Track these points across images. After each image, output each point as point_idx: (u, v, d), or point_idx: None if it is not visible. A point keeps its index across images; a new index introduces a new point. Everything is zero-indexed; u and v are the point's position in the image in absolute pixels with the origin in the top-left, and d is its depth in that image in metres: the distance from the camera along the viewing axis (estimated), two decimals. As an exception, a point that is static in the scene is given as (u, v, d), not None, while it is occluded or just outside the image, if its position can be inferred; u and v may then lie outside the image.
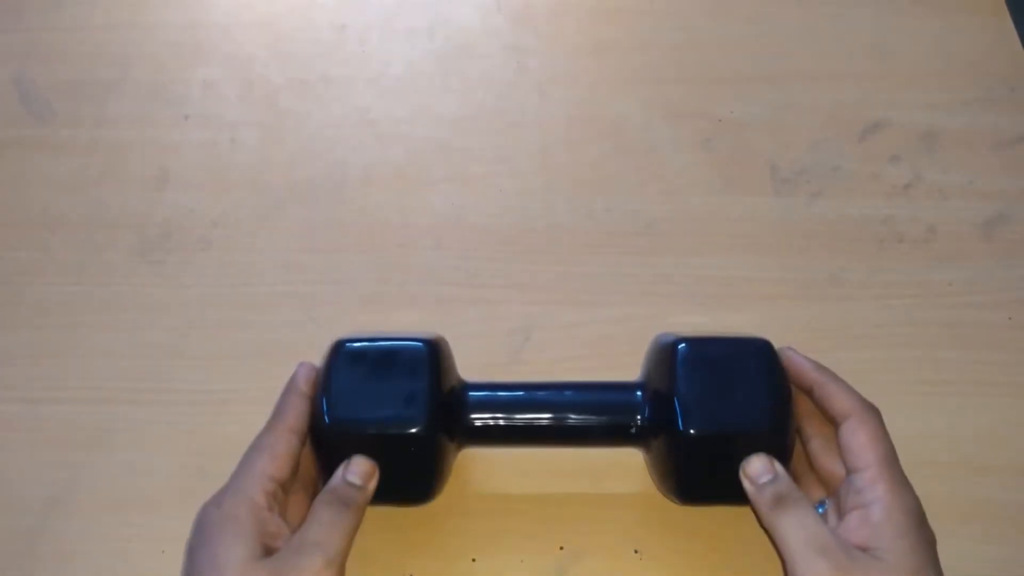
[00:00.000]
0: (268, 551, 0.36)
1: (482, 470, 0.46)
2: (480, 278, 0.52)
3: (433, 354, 0.40)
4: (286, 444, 0.39)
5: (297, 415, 0.40)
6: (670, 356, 0.40)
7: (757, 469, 0.39)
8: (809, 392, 0.41)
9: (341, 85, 0.60)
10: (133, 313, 0.51)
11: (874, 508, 0.37)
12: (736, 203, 0.55)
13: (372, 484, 0.39)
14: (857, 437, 0.38)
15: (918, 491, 0.37)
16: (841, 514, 0.38)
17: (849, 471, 0.38)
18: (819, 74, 0.60)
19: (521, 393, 0.42)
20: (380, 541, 0.43)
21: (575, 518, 0.44)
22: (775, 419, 0.39)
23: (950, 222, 0.54)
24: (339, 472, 0.39)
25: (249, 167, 0.56)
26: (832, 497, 0.40)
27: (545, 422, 0.41)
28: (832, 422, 0.40)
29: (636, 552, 0.43)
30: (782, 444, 0.39)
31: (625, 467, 0.45)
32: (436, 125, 0.58)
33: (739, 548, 0.43)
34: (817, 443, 0.41)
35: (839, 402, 0.40)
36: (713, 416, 0.39)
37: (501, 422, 0.41)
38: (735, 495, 0.39)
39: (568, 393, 0.42)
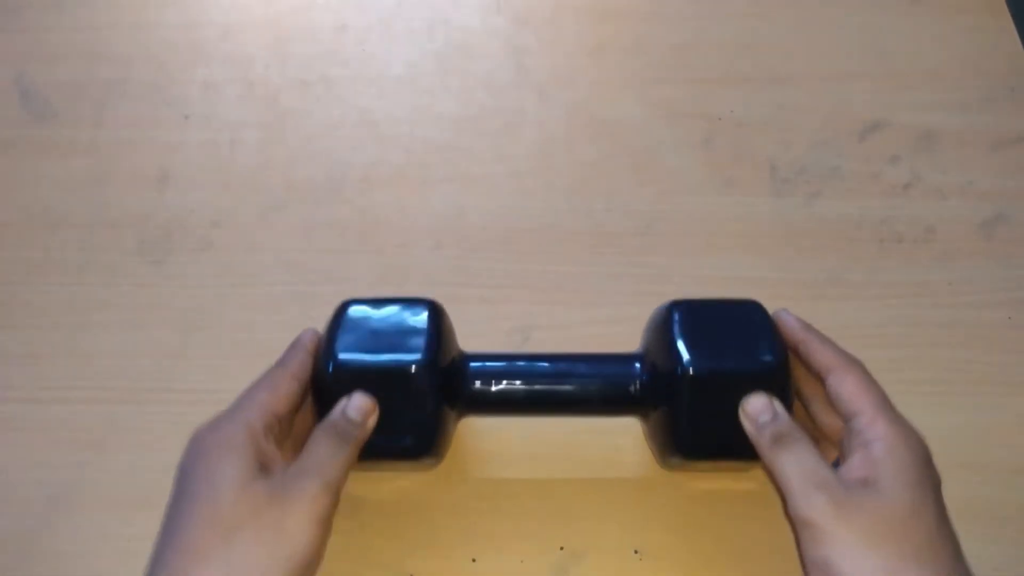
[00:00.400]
0: (264, 474, 0.36)
1: (482, 470, 0.46)
2: (480, 278, 0.52)
3: (436, 311, 0.41)
4: (287, 385, 0.39)
5: (300, 364, 0.40)
6: (666, 317, 0.41)
7: (757, 408, 0.39)
8: (795, 351, 0.42)
9: (341, 85, 0.60)
10: (133, 313, 0.51)
11: (875, 445, 0.37)
12: (736, 203, 0.55)
13: (371, 421, 0.39)
14: (845, 386, 0.39)
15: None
16: (844, 460, 0.38)
17: (847, 420, 0.39)
18: (819, 74, 0.60)
19: (521, 362, 0.43)
20: (380, 541, 0.43)
21: (575, 518, 0.44)
22: (772, 367, 0.40)
23: (949, 222, 0.54)
24: (339, 406, 0.39)
25: (249, 167, 0.57)
26: (837, 449, 0.40)
27: (545, 389, 0.42)
28: (819, 379, 0.41)
29: (636, 552, 0.43)
30: (782, 392, 0.40)
31: (625, 467, 0.45)
32: (436, 125, 0.59)
33: (739, 548, 0.43)
34: (818, 404, 0.41)
35: (822, 356, 0.40)
36: (711, 360, 0.39)
37: (501, 389, 0.42)
38: (735, 448, 0.39)
39: (567, 361, 0.43)
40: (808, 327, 0.42)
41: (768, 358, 0.40)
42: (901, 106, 0.58)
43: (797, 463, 0.36)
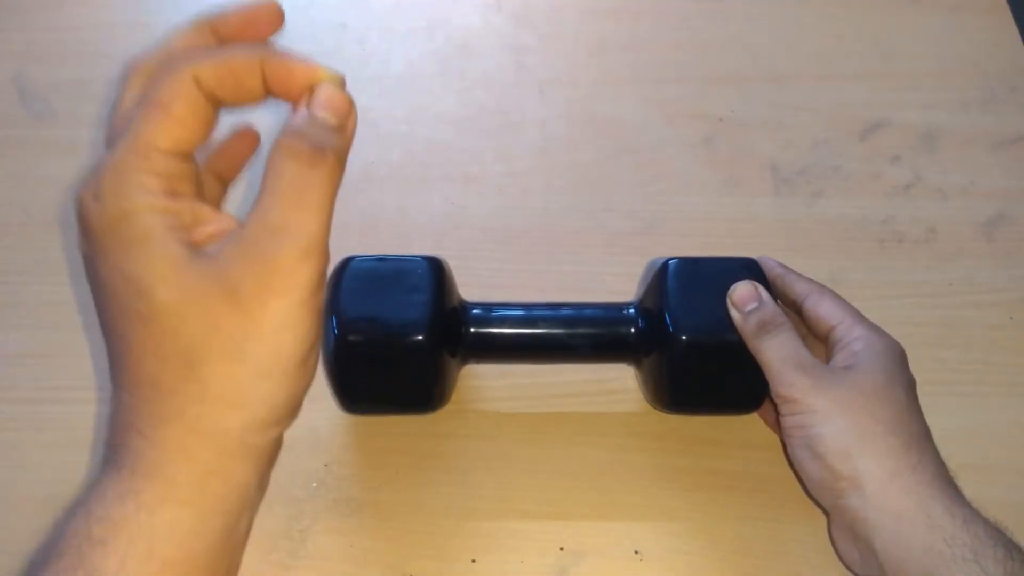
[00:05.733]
0: (198, 252, 0.25)
1: (482, 469, 0.46)
2: (480, 278, 0.52)
3: (436, 265, 0.42)
4: (188, 102, 0.26)
5: (188, 58, 0.27)
6: (661, 270, 0.42)
7: (743, 296, 0.40)
8: (775, 288, 0.43)
9: (341, 85, 0.60)
10: (133, 313, 0.51)
11: (856, 343, 0.39)
12: (736, 203, 0.55)
13: (351, 125, 0.28)
14: (823, 305, 0.41)
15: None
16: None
17: (827, 336, 0.41)
18: (819, 74, 0.60)
19: (520, 310, 0.44)
20: (380, 541, 0.43)
21: (575, 518, 0.44)
22: None
23: (950, 222, 0.54)
24: (300, 109, 0.27)
25: (249, 167, 0.56)
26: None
27: (543, 335, 0.43)
28: (798, 311, 0.43)
29: (636, 552, 0.43)
30: None
31: (625, 467, 0.45)
32: (436, 125, 0.58)
33: (739, 548, 0.43)
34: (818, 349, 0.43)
35: (798, 286, 0.43)
36: (700, 318, 0.41)
37: (501, 334, 0.43)
38: (724, 402, 0.43)
39: (565, 309, 0.44)
40: (782, 266, 0.44)
41: None
42: (902, 106, 0.58)
43: (780, 348, 0.38)
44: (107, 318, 0.26)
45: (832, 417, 0.37)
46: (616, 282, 0.51)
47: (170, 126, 0.26)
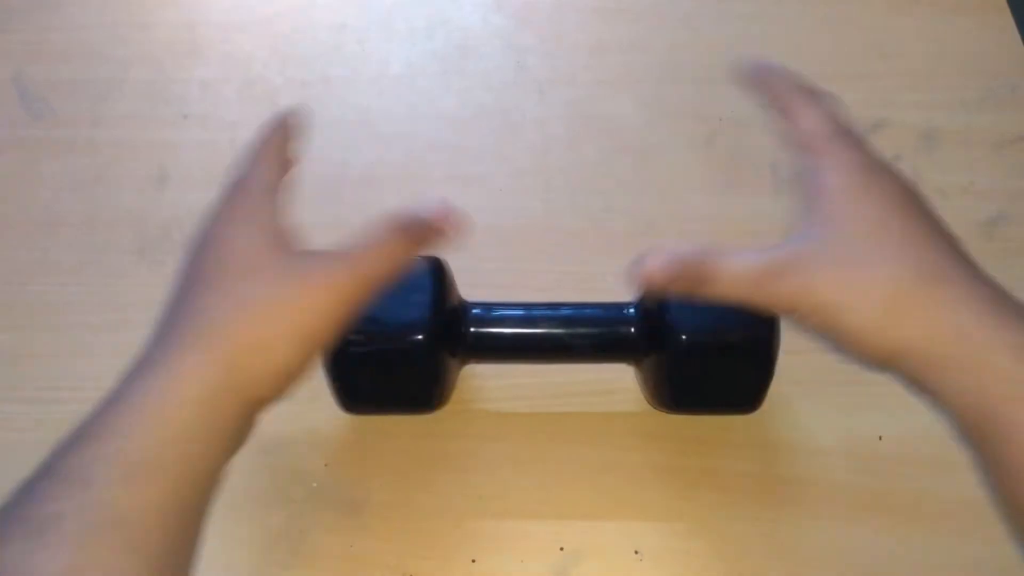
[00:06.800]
0: (283, 246, 0.33)
1: (482, 469, 0.46)
2: (480, 278, 0.52)
3: (437, 266, 0.42)
4: (279, 161, 0.38)
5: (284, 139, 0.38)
6: None
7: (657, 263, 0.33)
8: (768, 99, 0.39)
9: (341, 85, 0.60)
10: (133, 313, 0.51)
11: (819, 178, 0.34)
12: (736, 203, 0.55)
13: (449, 228, 0.34)
14: (799, 120, 0.36)
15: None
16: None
17: (801, 150, 0.36)
18: (819, 74, 0.60)
19: (519, 309, 0.44)
20: (380, 541, 0.43)
21: (575, 518, 0.44)
22: (762, 326, 0.40)
23: (950, 222, 0.53)
24: (412, 207, 0.34)
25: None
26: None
27: (543, 334, 0.43)
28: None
29: (636, 552, 0.43)
30: (768, 348, 0.41)
31: (625, 467, 0.45)
32: (436, 125, 0.58)
33: (739, 548, 0.43)
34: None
35: (792, 96, 0.38)
36: (699, 319, 0.40)
37: (500, 335, 0.43)
38: (722, 402, 0.43)
39: (565, 309, 0.44)
40: (781, 66, 0.39)
41: (757, 320, 0.41)
42: (902, 106, 0.58)
43: (742, 270, 0.33)
44: (199, 267, 0.33)
45: (849, 303, 0.32)
46: (616, 282, 0.51)
47: (275, 173, 0.37)
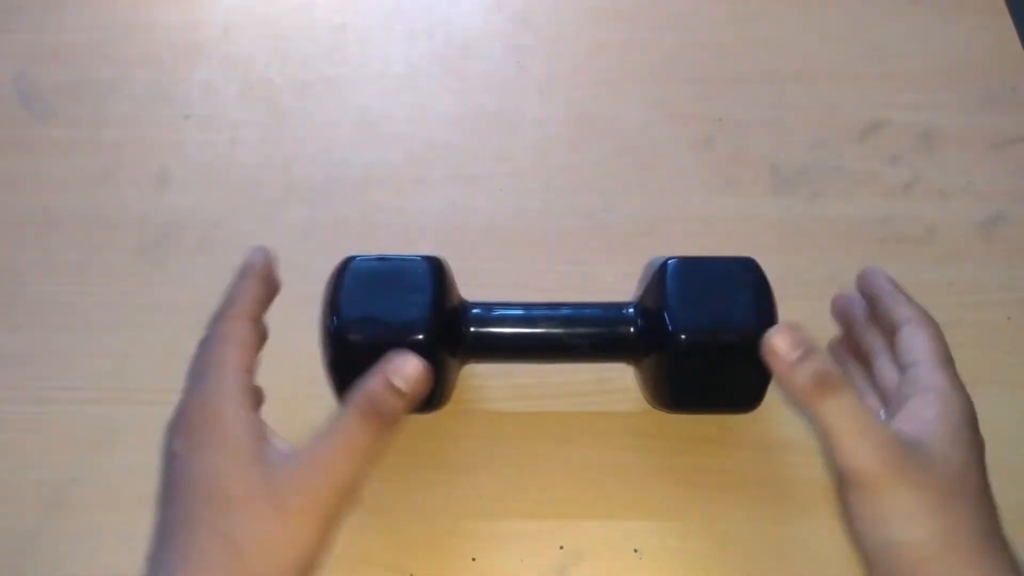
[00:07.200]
0: (261, 459, 0.32)
1: (483, 469, 0.46)
2: (480, 278, 0.52)
3: (437, 265, 0.42)
4: (249, 333, 0.35)
5: (255, 300, 0.36)
6: (660, 270, 0.42)
7: (785, 344, 0.33)
8: (874, 302, 0.41)
9: (341, 85, 0.60)
10: (133, 313, 0.51)
11: (930, 395, 0.35)
12: (736, 203, 0.55)
13: (420, 390, 0.33)
14: (916, 338, 0.38)
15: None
16: (896, 410, 0.36)
17: (906, 368, 0.37)
18: (819, 74, 0.60)
19: (519, 309, 0.44)
20: (380, 541, 0.43)
21: (575, 517, 0.44)
22: (762, 323, 0.40)
23: (950, 222, 0.54)
24: (378, 372, 0.33)
25: (249, 167, 0.56)
26: (890, 404, 0.39)
27: (543, 334, 0.43)
28: (891, 332, 0.40)
29: (636, 552, 0.43)
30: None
31: (625, 467, 0.45)
32: (436, 125, 0.59)
33: (739, 548, 0.43)
34: (883, 358, 0.40)
35: (900, 310, 0.39)
36: (699, 318, 0.40)
37: (500, 335, 0.43)
38: (721, 401, 0.43)
39: (565, 309, 0.44)
40: (895, 283, 0.41)
41: (757, 315, 0.41)
42: (901, 106, 0.58)
43: (848, 410, 0.33)
44: (180, 501, 0.33)
45: (916, 518, 0.33)
46: (616, 282, 0.51)
47: (246, 355, 0.35)
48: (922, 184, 0.55)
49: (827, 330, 0.50)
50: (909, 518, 0.33)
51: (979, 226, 0.53)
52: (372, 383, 0.32)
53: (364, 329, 0.40)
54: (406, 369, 0.32)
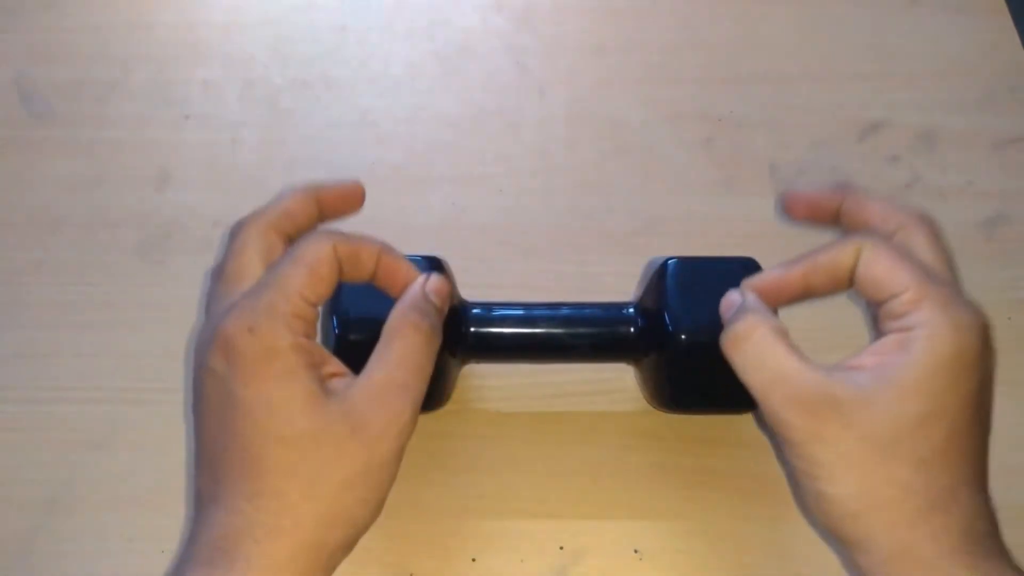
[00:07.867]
0: (327, 389, 0.31)
1: (483, 469, 0.46)
2: (480, 278, 0.52)
3: (436, 265, 0.42)
4: (329, 266, 0.32)
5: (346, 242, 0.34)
6: (660, 270, 0.42)
7: (724, 304, 0.34)
8: (834, 221, 0.36)
9: (341, 85, 0.60)
10: (133, 313, 0.51)
11: (909, 336, 0.31)
12: (736, 203, 0.55)
13: (446, 308, 0.35)
14: (878, 263, 0.32)
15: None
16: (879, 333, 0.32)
17: (881, 303, 0.32)
18: (819, 74, 0.60)
19: (520, 309, 0.44)
20: (380, 541, 0.43)
21: (575, 517, 0.44)
22: None
23: (949, 222, 0.53)
24: (416, 287, 0.34)
25: (249, 167, 0.57)
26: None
27: (543, 334, 0.43)
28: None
29: (636, 552, 0.43)
30: None
31: (625, 467, 0.45)
32: (436, 125, 0.59)
33: (739, 549, 0.43)
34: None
35: (870, 214, 0.34)
36: (698, 318, 0.40)
37: (500, 334, 0.43)
38: (721, 401, 0.42)
39: (565, 309, 0.44)
40: (865, 196, 0.36)
41: None
42: (901, 106, 0.58)
43: (756, 359, 0.32)
44: (235, 435, 0.30)
45: (837, 474, 0.31)
46: (616, 282, 0.51)
47: (315, 282, 0.32)
48: (922, 184, 0.55)
49: (825, 330, 0.50)
50: (831, 472, 0.31)
51: (979, 226, 0.53)
52: (411, 298, 0.34)
53: (365, 329, 0.40)
54: (434, 283, 0.35)
